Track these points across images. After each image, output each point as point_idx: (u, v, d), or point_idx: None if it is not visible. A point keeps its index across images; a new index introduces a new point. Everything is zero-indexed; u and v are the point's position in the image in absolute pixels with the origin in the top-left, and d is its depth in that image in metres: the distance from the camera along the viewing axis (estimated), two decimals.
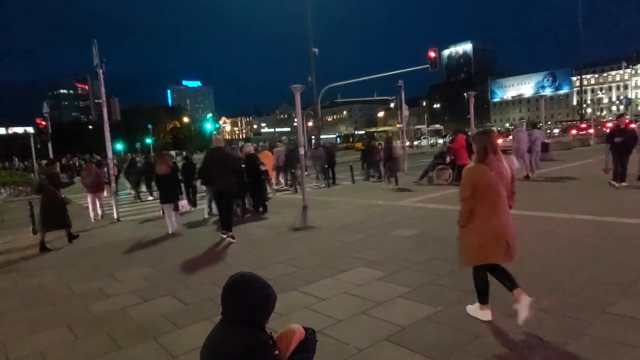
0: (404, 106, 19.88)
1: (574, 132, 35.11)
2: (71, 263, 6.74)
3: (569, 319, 3.43)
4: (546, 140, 15.37)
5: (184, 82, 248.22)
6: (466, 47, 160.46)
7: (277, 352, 2.15)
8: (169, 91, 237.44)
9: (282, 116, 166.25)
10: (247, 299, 2.07)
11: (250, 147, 11.75)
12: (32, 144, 28.94)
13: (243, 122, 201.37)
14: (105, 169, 13.02)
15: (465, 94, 16.63)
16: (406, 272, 4.92)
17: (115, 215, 10.78)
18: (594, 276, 4.33)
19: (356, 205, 10.19)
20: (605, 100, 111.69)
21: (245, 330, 2.04)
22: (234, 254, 6.49)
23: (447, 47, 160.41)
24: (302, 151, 11.48)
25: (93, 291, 5.17)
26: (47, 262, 6.97)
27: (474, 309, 3.63)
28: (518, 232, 3.49)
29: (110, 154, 11.54)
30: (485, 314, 3.54)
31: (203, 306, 4.34)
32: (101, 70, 10.74)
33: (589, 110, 73.47)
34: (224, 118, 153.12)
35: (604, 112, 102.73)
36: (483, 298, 3.56)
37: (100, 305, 4.66)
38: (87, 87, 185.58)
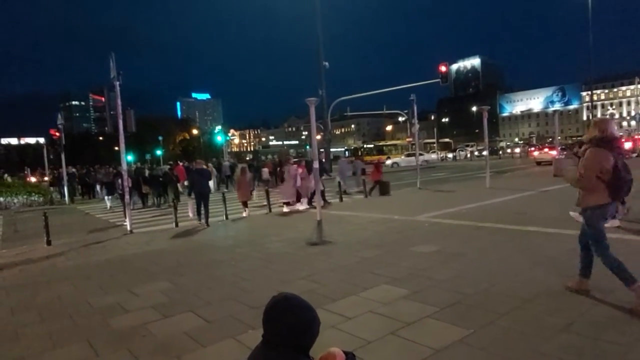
0: (414, 120, 19.82)
1: None
2: (87, 276, 6.67)
3: (605, 343, 3.27)
4: (364, 167, 19.39)
5: (193, 95, 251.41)
6: (474, 61, 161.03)
7: None
8: (178, 103, 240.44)
9: (290, 129, 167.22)
10: (291, 322, 1.97)
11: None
12: (45, 155, 29.30)
13: (251, 134, 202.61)
14: (120, 180, 13.06)
15: (474, 109, 16.53)
16: (431, 290, 4.78)
17: (128, 227, 10.75)
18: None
19: (371, 220, 10.06)
20: (616, 116, 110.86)
21: (287, 355, 1.95)
22: (252, 269, 6.38)
23: (455, 62, 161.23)
24: (316, 164, 11.39)
25: (111, 305, 5.08)
26: (62, 273, 6.92)
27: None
28: None
29: (124, 165, 11.61)
30: (245, 212, 12.33)
31: (225, 323, 4.23)
32: (118, 83, 10.84)
33: None
34: (232, 130, 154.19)
35: None
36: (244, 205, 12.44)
37: (119, 320, 4.56)
38: (103, 99, 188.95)
